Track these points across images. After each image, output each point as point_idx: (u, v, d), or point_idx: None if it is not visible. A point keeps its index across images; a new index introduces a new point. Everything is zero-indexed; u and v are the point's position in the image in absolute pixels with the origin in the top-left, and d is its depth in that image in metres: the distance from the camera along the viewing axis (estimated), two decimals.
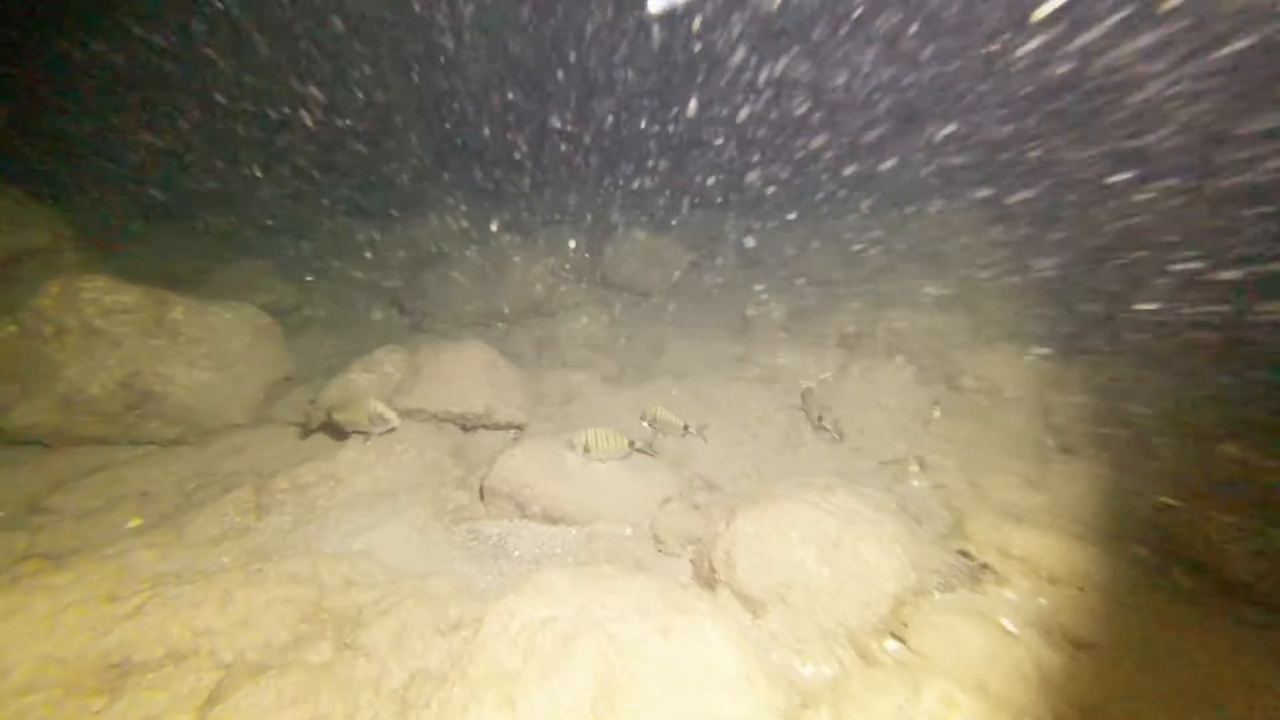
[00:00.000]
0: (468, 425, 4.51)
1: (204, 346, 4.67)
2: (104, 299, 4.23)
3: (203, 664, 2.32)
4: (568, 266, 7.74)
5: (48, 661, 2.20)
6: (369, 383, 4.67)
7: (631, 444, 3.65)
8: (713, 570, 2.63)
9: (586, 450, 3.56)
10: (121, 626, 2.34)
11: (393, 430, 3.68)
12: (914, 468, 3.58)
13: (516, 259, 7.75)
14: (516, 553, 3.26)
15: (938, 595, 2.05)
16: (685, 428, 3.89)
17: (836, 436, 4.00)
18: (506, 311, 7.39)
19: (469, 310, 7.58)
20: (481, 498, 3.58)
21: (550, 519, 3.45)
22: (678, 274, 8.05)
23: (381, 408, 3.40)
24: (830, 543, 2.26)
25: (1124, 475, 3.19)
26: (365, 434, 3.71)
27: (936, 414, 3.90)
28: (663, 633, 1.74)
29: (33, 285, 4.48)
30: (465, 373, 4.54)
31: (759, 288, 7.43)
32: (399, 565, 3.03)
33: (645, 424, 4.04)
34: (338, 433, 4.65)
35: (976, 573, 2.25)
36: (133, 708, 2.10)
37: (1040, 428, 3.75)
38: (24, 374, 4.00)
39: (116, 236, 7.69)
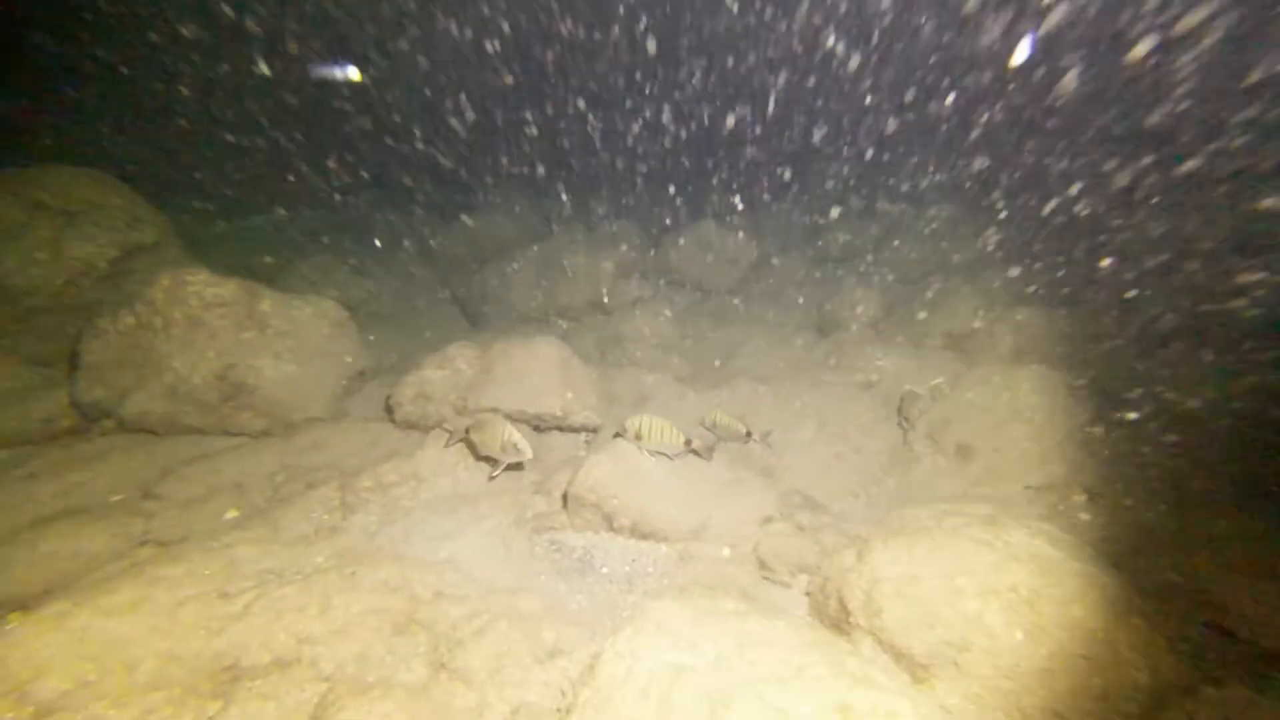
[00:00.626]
0: (541, 426, 4.36)
1: (289, 339, 4.79)
2: (205, 292, 4.40)
3: (305, 674, 2.24)
4: (631, 261, 7.49)
5: (169, 659, 2.19)
6: (442, 379, 4.61)
7: (688, 443, 3.43)
8: (845, 611, 2.26)
9: (638, 438, 3.39)
10: (233, 627, 2.31)
11: (521, 466, 3.36)
12: (1079, 497, 3.01)
13: (578, 254, 7.59)
14: (604, 569, 3.03)
15: (1207, 692, 1.58)
16: (748, 434, 3.62)
17: (928, 443, 3.48)
18: (568, 308, 7.25)
19: (530, 307, 7.51)
20: (565, 506, 3.38)
21: (640, 534, 3.20)
22: (747, 268, 7.60)
23: (517, 438, 3.09)
24: (1022, 598, 1.84)
25: None
26: (493, 462, 3.42)
27: (1098, 430, 3.26)
28: (842, 712, 1.41)
29: (144, 279, 4.76)
30: (539, 371, 4.39)
31: (839, 282, 6.85)
32: (485, 577, 2.88)
33: (705, 428, 3.81)
34: (413, 428, 4.64)
35: (1255, 663, 1.75)
36: (245, 717, 2.04)
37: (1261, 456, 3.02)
38: (139, 363, 4.23)
39: (200, 231, 8.18)
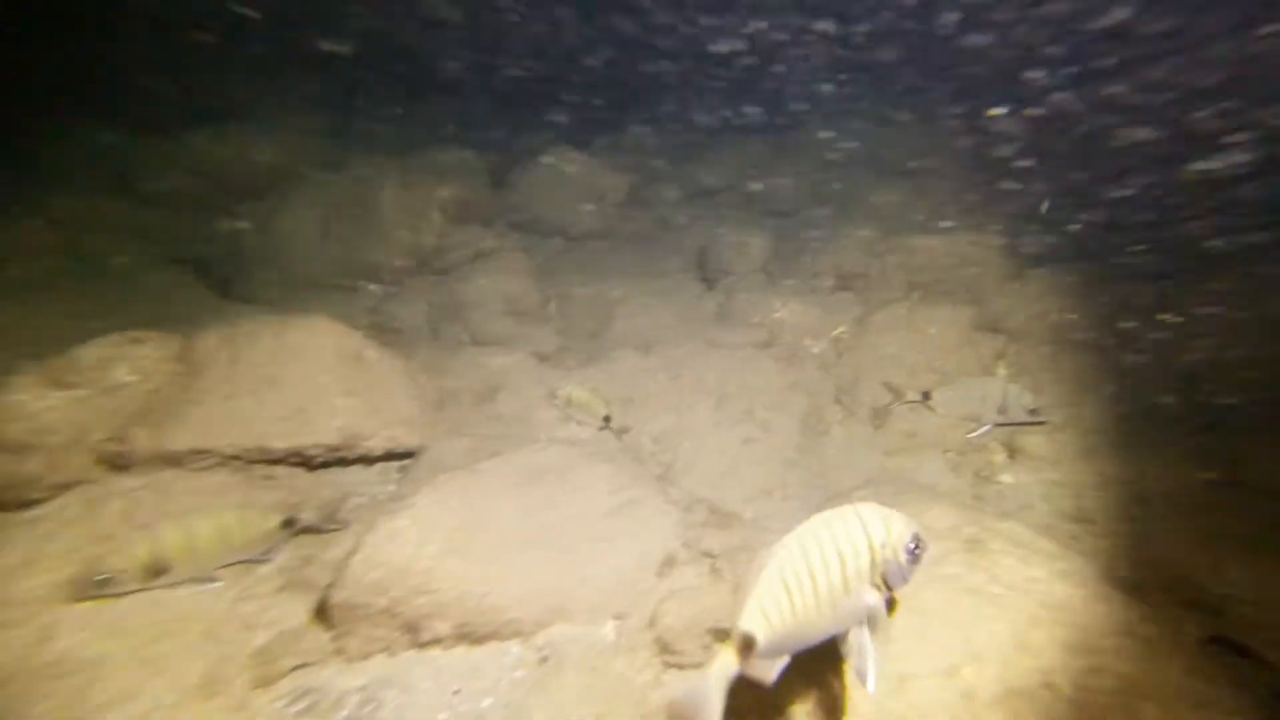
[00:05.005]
0: (313, 463, 2.68)
1: None
2: None
3: None
4: (468, 200, 5.58)
5: None
6: (63, 408, 2.48)
7: (606, 419, 3.09)
8: None
9: (569, 404, 3.14)
10: None
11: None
12: (999, 457, 2.69)
13: (390, 191, 5.41)
14: None
15: None
16: (607, 417, 3.09)
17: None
18: (380, 268, 5.16)
19: (318, 268, 5.21)
20: (329, 623, 1.91)
21: (472, 636, 1.94)
22: (615, 206, 6.30)
23: None
24: (1057, 686, 1.12)
25: None
26: None
27: (1001, 371, 3.05)
28: None
29: None
30: (303, 372, 2.64)
31: (719, 220, 6.02)
32: None
33: (557, 406, 3.22)
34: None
35: None
36: None
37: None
38: None
39: None
